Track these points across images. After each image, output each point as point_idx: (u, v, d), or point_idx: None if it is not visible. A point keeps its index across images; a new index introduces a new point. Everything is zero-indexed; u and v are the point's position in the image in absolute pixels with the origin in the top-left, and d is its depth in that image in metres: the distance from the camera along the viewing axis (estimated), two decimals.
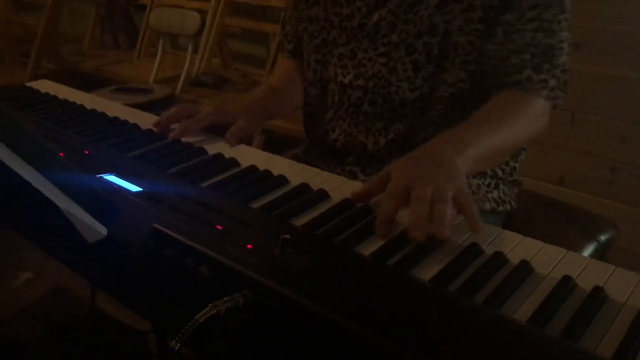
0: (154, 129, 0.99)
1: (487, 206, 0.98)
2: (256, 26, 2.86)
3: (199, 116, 0.98)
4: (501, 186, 1.04)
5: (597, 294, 0.57)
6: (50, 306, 1.45)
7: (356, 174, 1.03)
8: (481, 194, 0.98)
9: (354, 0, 0.97)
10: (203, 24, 2.48)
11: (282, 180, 0.81)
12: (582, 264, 0.63)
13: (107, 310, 1.41)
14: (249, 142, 1.01)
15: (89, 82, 2.74)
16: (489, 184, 1.01)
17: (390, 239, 0.67)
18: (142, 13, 3.12)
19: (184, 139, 0.95)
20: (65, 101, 1.15)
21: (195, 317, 0.48)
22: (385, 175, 0.73)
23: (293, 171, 0.84)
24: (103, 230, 0.52)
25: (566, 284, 0.59)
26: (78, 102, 1.13)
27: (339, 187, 0.80)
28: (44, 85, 1.26)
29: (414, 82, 0.95)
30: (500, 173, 1.03)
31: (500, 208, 1.01)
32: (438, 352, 0.48)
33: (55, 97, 1.17)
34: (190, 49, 2.54)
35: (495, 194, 1.01)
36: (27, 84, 1.28)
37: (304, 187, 0.79)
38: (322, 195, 0.77)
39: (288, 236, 0.56)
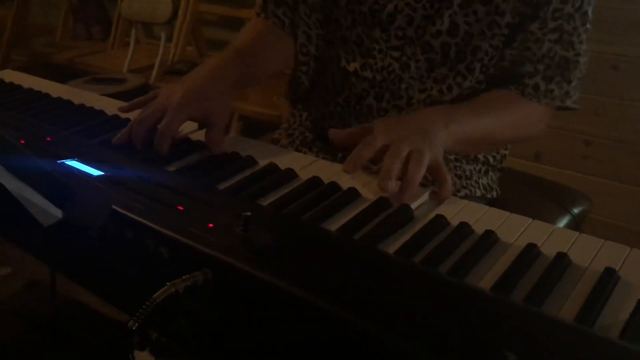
0: (120, 114, 0.94)
1: (478, 193, 0.97)
2: (232, 12, 2.83)
3: (164, 126, 0.81)
4: (490, 173, 1.03)
5: (561, 259, 0.58)
6: (25, 300, 1.43)
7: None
8: (474, 180, 0.98)
9: None
10: (176, 11, 2.44)
11: (250, 161, 0.80)
12: (548, 231, 0.63)
13: (87, 302, 1.40)
14: (226, 129, 0.90)
15: (62, 74, 2.70)
16: (480, 169, 1.01)
17: (357, 214, 0.66)
18: (115, 3, 3.07)
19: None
20: (30, 90, 1.12)
21: (153, 297, 0.47)
22: (369, 128, 0.74)
23: (262, 152, 0.83)
24: (58, 213, 0.51)
25: (530, 252, 0.59)
26: (43, 91, 1.11)
27: (308, 166, 0.79)
28: (8, 76, 1.23)
29: (425, 82, 0.92)
30: (491, 160, 1.02)
31: (489, 195, 1.01)
32: (402, 323, 0.47)
33: (19, 87, 1.15)
34: (163, 37, 2.51)
35: (484, 181, 1.01)
36: None
37: (272, 167, 0.78)
38: (290, 174, 0.76)
39: (250, 213, 0.55)
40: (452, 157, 0.97)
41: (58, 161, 0.72)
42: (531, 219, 0.65)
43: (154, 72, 2.52)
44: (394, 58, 0.92)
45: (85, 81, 2.29)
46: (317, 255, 0.56)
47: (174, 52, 2.76)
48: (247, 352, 0.53)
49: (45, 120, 0.94)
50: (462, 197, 0.89)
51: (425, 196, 0.71)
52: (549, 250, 0.60)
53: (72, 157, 0.74)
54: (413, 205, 0.68)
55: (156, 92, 0.90)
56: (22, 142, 0.80)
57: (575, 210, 1.17)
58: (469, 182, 0.96)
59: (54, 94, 1.09)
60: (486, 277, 0.56)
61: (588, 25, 0.86)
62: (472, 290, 0.53)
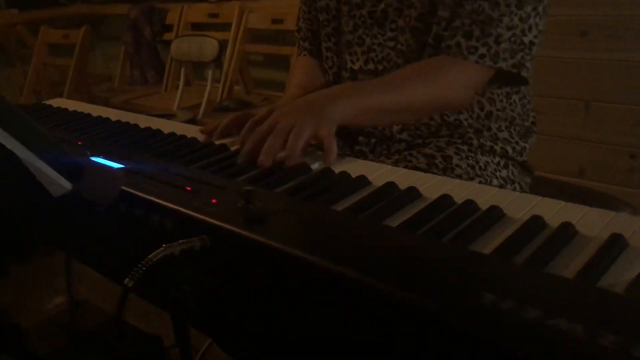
0: (203, 135, 0.97)
1: (495, 183, 0.98)
2: (275, 50, 2.93)
3: (297, 131, 0.85)
4: (510, 167, 1.04)
5: (566, 228, 0.56)
6: (70, 316, 1.48)
7: (365, 153, 1.07)
8: (489, 171, 0.99)
9: None
10: (222, 49, 2.55)
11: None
12: (556, 207, 0.62)
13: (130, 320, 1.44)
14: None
15: None
16: (498, 162, 1.02)
17: (364, 197, 0.67)
18: (168, 48, 3.24)
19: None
20: (73, 111, 1.20)
21: (149, 256, 0.49)
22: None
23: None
24: (67, 185, 0.54)
25: (535, 223, 0.58)
26: (85, 112, 1.18)
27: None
28: (57, 102, 1.32)
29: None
30: (510, 151, 1.04)
31: (509, 187, 1.01)
32: (401, 280, 0.47)
33: (65, 109, 1.23)
34: (210, 75, 2.62)
35: (504, 173, 1.02)
36: (44, 102, 1.34)
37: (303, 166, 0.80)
38: (303, 168, 0.78)
39: (251, 188, 0.57)
40: (466, 147, 0.99)
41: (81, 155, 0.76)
42: (540, 197, 0.64)
43: (202, 109, 2.62)
44: (390, 48, 1.01)
45: None
46: (315, 224, 0.56)
47: (222, 91, 2.87)
48: (250, 320, 0.54)
49: (83, 134, 1.00)
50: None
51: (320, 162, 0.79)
52: (556, 222, 0.58)
53: (98, 156, 0.78)
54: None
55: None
56: None
57: None
58: (483, 172, 0.97)
59: (95, 114, 1.16)
60: (488, 247, 0.55)
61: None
62: (473, 254, 0.52)
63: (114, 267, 0.67)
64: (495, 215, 0.60)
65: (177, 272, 0.53)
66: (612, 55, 1.58)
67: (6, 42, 3.63)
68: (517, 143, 1.05)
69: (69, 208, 0.59)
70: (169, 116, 2.39)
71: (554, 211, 0.61)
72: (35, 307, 1.98)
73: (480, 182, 0.94)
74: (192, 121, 2.44)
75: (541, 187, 1.15)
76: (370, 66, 1.04)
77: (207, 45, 2.51)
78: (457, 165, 0.95)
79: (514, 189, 1.03)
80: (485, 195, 0.66)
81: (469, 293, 0.42)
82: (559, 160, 1.73)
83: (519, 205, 0.63)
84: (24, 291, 2.04)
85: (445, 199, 0.64)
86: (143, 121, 1.08)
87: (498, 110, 1.03)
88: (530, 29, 0.92)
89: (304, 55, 1.19)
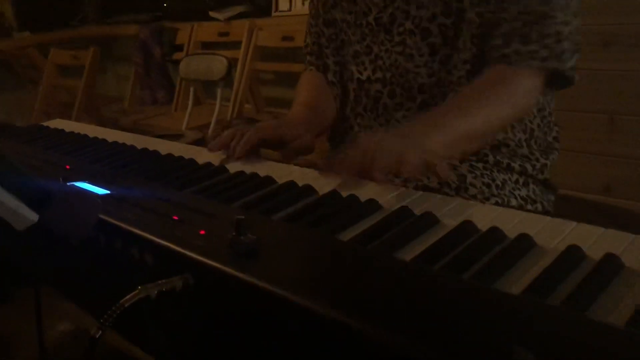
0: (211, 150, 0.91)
1: (514, 202, 0.91)
2: (285, 68, 2.88)
3: (260, 125, 0.90)
4: (531, 185, 0.96)
5: (610, 261, 0.48)
6: (70, 349, 1.41)
7: None
8: (507, 190, 0.91)
9: None
10: (230, 67, 2.50)
11: (269, 180, 0.75)
12: (594, 234, 0.54)
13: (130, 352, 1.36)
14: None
15: None
16: (517, 180, 0.94)
17: (374, 224, 0.59)
18: (178, 67, 3.20)
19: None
20: (70, 133, 1.14)
21: (121, 301, 0.42)
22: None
23: (281, 172, 0.78)
24: (33, 217, 0.48)
25: (572, 254, 0.50)
26: (82, 133, 1.13)
27: (331, 182, 0.73)
28: (56, 124, 1.27)
29: (431, 66, 0.92)
30: (530, 169, 0.96)
31: (529, 207, 0.94)
32: (414, 333, 0.39)
33: (62, 131, 1.18)
34: (219, 93, 2.57)
35: (524, 192, 0.94)
36: (41, 123, 1.29)
37: (291, 184, 0.73)
38: (309, 191, 0.71)
39: (242, 217, 0.50)
40: (480, 165, 0.92)
41: (68, 183, 0.70)
42: (576, 222, 0.56)
43: (211, 128, 2.57)
44: (398, 53, 0.95)
45: None
46: (316, 259, 0.49)
47: (232, 110, 2.82)
48: None
49: (76, 156, 0.94)
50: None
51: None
52: (596, 253, 0.50)
53: (83, 181, 0.72)
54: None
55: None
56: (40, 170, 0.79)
57: None
58: (500, 191, 0.89)
59: (91, 135, 1.10)
60: (519, 283, 0.47)
61: None
62: (494, 292, 0.44)
63: (97, 305, 0.60)
64: (524, 245, 0.52)
65: (156, 315, 0.46)
66: (636, 66, 1.50)
67: (17, 65, 3.62)
68: (537, 160, 0.97)
69: (44, 239, 0.52)
70: (177, 137, 2.34)
71: (593, 239, 0.53)
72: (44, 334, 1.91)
73: (496, 203, 0.87)
74: (201, 141, 2.39)
75: (565, 206, 1.07)
76: (379, 74, 0.98)
77: (216, 64, 2.46)
78: (471, 184, 0.87)
79: (535, 209, 0.95)
80: (512, 221, 0.58)
81: (499, 351, 0.34)
82: (583, 176, 1.64)
83: (552, 232, 0.55)
84: (26, 318, 1.97)
85: (467, 226, 0.57)
86: (142, 142, 1.02)
87: (526, 126, 0.95)
88: (580, 27, 0.85)
89: (310, 70, 1.13)
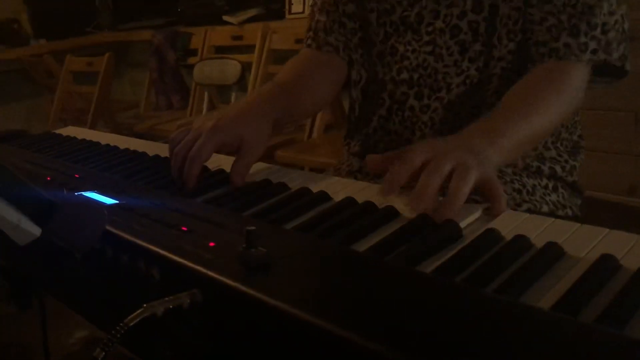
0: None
1: (545, 208, 0.87)
2: None
3: (194, 153, 0.75)
4: (560, 189, 0.93)
5: None
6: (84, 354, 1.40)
7: None
8: (538, 196, 0.88)
9: None
10: (244, 71, 2.49)
11: (282, 187, 0.73)
12: (630, 243, 0.50)
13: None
14: None
15: None
16: (546, 185, 0.91)
17: (392, 233, 0.56)
18: (192, 72, 3.20)
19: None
20: (83, 140, 1.13)
21: (126, 320, 0.40)
22: (407, 150, 0.65)
23: (297, 179, 0.75)
24: (35, 231, 0.46)
25: (605, 264, 0.46)
26: (94, 140, 1.11)
27: (343, 189, 0.71)
28: (68, 131, 1.26)
29: (460, 65, 0.89)
30: (559, 171, 0.92)
31: (560, 212, 0.90)
32: (429, 349, 0.37)
33: (74, 138, 1.16)
34: (233, 97, 2.56)
35: (554, 197, 0.91)
36: (53, 131, 1.28)
37: (304, 191, 0.70)
38: (324, 197, 0.68)
39: (253, 228, 0.47)
40: (510, 170, 0.88)
41: (75, 193, 0.68)
42: (607, 229, 0.53)
43: None
44: (427, 53, 0.90)
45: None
46: (331, 273, 0.46)
47: None
48: None
49: (87, 164, 0.92)
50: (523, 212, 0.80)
51: (477, 214, 0.60)
52: (632, 264, 0.47)
53: (92, 190, 0.70)
54: (462, 224, 0.57)
55: (187, 127, 0.85)
56: (48, 178, 0.78)
57: None
58: (532, 197, 0.86)
59: (104, 142, 1.08)
60: (547, 296, 0.44)
61: None
62: (523, 308, 0.41)
63: (105, 319, 0.58)
64: (553, 254, 0.49)
65: (162, 333, 0.43)
66: None
67: (34, 72, 3.65)
68: (566, 161, 0.94)
69: (47, 250, 0.50)
70: None
71: (628, 247, 0.49)
72: (57, 342, 1.91)
73: (528, 209, 0.83)
74: None
75: (592, 208, 1.04)
76: (404, 75, 0.93)
77: (229, 68, 2.45)
78: None
79: (566, 214, 0.91)
80: (538, 228, 0.55)
81: None
82: (608, 177, 1.60)
83: (582, 240, 0.51)
84: (48, 326, 1.97)
85: (490, 234, 0.54)
86: (155, 149, 1.00)
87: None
88: (626, 15, 0.83)
89: (317, 49, 1.00)
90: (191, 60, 3.24)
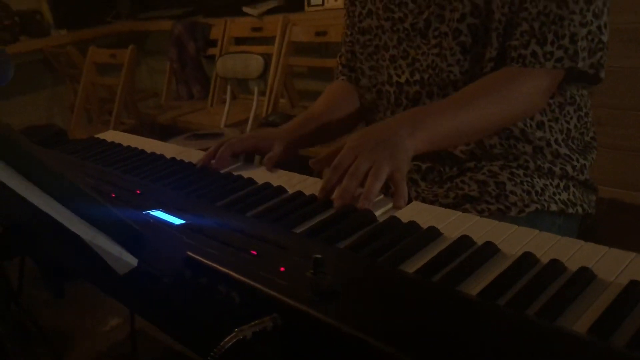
0: (198, 167, 1.00)
1: (554, 207, 0.94)
2: (319, 63, 2.91)
3: (232, 141, 1.00)
4: (572, 188, 0.99)
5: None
6: (126, 349, 1.49)
7: (417, 181, 1.03)
8: (547, 196, 0.94)
9: (405, 3, 1.01)
10: (267, 66, 2.54)
11: (327, 203, 0.79)
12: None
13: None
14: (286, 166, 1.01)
15: (166, 133, 2.87)
16: (558, 184, 0.97)
17: (436, 255, 0.63)
18: (212, 63, 3.26)
19: (230, 172, 0.96)
20: (128, 147, 1.20)
21: (221, 344, 0.47)
22: (338, 148, 0.82)
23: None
24: (133, 261, 0.53)
25: (634, 289, 0.52)
26: (140, 148, 1.18)
27: (388, 210, 0.77)
28: (110, 136, 1.32)
29: (463, 64, 0.97)
30: (570, 171, 0.98)
31: (570, 210, 0.97)
32: None
33: (119, 145, 1.23)
34: (256, 91, 2.61)
35: (564, 196, 0.97)
36: (95, 136, 1.35)
37: (349, 209, 0.77)
38: (368, 215, 0.74)
39: (320, 256, 0.54)
40: (521, 172, 0.95)
41: (143, 212, 0.75)
42: (635, 253, 0.59)
43: (249, 125, 2.62)
44: (434, 54, 0.99)
45: (185, 138, 2.41)
46: (390, 298, 0.53)
47: (267, 105, 2.86)
48: None
49: (138, 175, 0.99)
50: (531, 212, 0.90)
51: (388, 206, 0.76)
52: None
53: (157, 208, 0.77)
54: (376, 213, 0.73)
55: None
56: (113, 195, 0.84)
57: None
58: (540, 197, 0.93)
59: (149, 150, 1.15)
60: (582, 319, 0.50)
61: None
62: (567, 334, 0.47)
63: (181, 332, 0.65)
64: (585, 278, 0.55)
65: (246, 352, 0.50)
66: None
67: (56, 62, 3.72)
68: (577, 160, 0.99)
69: (133, 276, 0.57)
70: (218, 135, 2.40)
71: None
72: (91, 329, 2.01)
73: (536, 209, 0.90)
74: None
75: (606, 208, 1.09)
76: (417, 77, 1.02)
77: (253, 63, 2.50)
78: (511, 192, 0.91)
79: (576, 212, 0.97)
80: (569, 252, 0.61)
81: None
82: (624, 175, 1.64)
83: (611, 264, 0.57)
84: (79, 313, 2.08)
85: (528, 258, 0.60)
86: (197, 157, 1.06)
87: (550, 120, 0.98)
88: (605, 26, 0.89)
89: (342, 80, 1.17)
90: (211, 51, 3.29)
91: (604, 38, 0.89)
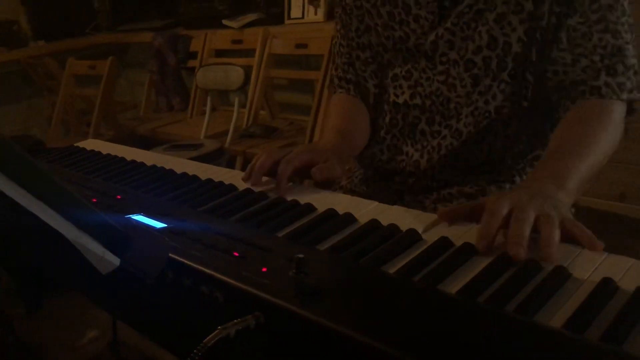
0: (246, 182, 0.91)
1: None
2: (299, 75, 2.93)
3: (290, 157, 0.89)
4: None
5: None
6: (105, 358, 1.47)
7: (402, 193, 1.02)
8: None
9: (407, 22, 0.98)
10: (247, 77, 2.55)
11: (309, 208, 0.80)
12: (626, 265, 0.58)
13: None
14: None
15: (145, 144, 2.86)
16: None
17: (416, 255, 0.64)
18: (192, 75, 3.26)
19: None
20: (108, 155, 1.19)
21: (204, 341, 0.47)
22: (481, 203, 0.69)
23: (320, 199, 0.83)
24: (116, 261, 0.53)
25: (606, 287, 0.54)
26: (119, 156, 1.17)
27: (368, 211, 0.78)
28: (90, 144, 1.32)
29: (471, 97, 0.96)
30: None
31: None
32: None
33: (99, 153, 1.22)
34: (236, 102, 2.62)
35: None
36: (75, 144, 1.34)
37: (331, 212, 0.78)
38: (349, 219, 0.75)
39: (302, 256, 0.55)
40: (507, 186, 0.97)
41: (125, 215, 0.75)
42: (606, 253, 0.60)
43: (229, 136, 2.62)
44: (440, 82, 0.97)
45: (164, 149, 2.40)
46: (371, 296, 0.54)
47: (247, 117, 2.87)
48: None
49: (119, 182, 0.99)
50: None
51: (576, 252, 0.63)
52: (629, 285, 0.54)
53: (138, 212, 0.77)
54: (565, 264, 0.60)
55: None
56: (95, 200, 0.84)
57: None
58: None
59: (130, 158, 1.15)
60: (558, 315, 0.52)
61: (628, 17, 0.87)
62: (543, 329, 0.49)
63: (164, 335, 0.65)
64: (560, 277, 0.57)
65: (229, 350, 0.51)
66: None
67: (34, 73, 3.68)
68: None
69: (115, 279, 0.57)
70: (198, 146, 2.40)
71: (624, 270, 0.57)
72: (69, 342, 1.98)
73: None
74: (221, 150, 2.44)
75: (583, 217, 1.11)
76: (417, 101, 1.00)
77: (233, 74, 2.52)
78: None
79: None
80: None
81: None
82: (599, 184, 1.68)
83: (585, 263, 0.59)
84: (57, 325, 2.04)
85: (505, 258, 0.61)
86: (180, 165, 1.06)
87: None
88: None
89: (340, 93, 1.14)
90: (191, 63, 3.30)
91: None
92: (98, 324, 2.08)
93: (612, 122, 0.86)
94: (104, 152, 1.23)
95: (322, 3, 2.76)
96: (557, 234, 0.62)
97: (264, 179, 0.91)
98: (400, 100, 1.03)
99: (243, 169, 0.99)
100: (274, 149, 0.93)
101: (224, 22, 3.10)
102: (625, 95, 0.86)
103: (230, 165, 2.49)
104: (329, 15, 2.76)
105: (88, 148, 1.28)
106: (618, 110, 0.87)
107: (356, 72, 1.11)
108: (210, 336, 0.47)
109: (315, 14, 2.79)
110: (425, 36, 0.97)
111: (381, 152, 1.08)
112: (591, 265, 0.59)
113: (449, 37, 0.95)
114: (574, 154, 0.81)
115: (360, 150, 1.09)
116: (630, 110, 0.91)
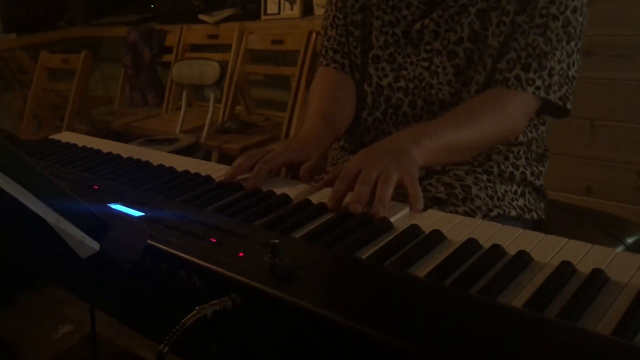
0: (224, 182, 0.89)
1: (513, 213, 0.99)
2: (275, 71, 2.94)
3: (268, 157, 0.90)
4: (527, 195, 1.05)
5: (597, 275, 0.56)
6: (81, 351, 1.47)
7: None
8: (507, 201, 0.99)
9: (399, 8, 1.03)
10: (223, 72, 2.55)
11: (285, 198, 0.82)
12: (584, 250, 0.61)
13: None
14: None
15: (120, 139, 2.83)
16: (516, 190, 1.03)
17: (388, 241, 0.66)
18: (167, 70, 3.24)
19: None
20: (84, 147, 1.20)
21: (183, 320, 0.49)
22: (342, 167, 0.82)
23: (296, 190, 0.85)
24: (95, 246, 0.54)
25: (565, 269, 0.57)
26: (95, 148, 1.18)
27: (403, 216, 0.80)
28: (65, 137, 1.32)
29: (454, 85, 1.00)
30: (529, 175, 1.05)
31: (527, 216, 1.02)
32: (434, 342, 0.47)
33: (75, 145, 1.22)
34: (212, 98, 2.62)
35: (521, 202, 1.03)
36: (50, 137, 1.34)
37: (306, 203, 0.80)
38: (324, 209, 0.78)
39: (277, 241, 0.57)
40: (485, 177, 1.00)
41: (103, 204, 0.76)
42: (566, 239, 0.64)
43: (205, 131, 2.62)
44: (424, 67, 1.02)
45: (139, 143, 2.39)
46: (343, 279, 0.56)
47: (223, 112, 2.87)
48: None
49: (95, 173, 0.99)
50: (494, 217, 0.93)
51: (404, 211, 0.75)
52: (586, 267, 0.58)
53: (116, 202, 0.78)
54: (392, 219, 0.72)
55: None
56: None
57: (630, 240, 1.13)
58: (501, 202, 0.97)
59: (106, 150, 1.15)
60: (519, 296, 0.55)
61: (572, 34, 0.94)
62: (506, 308, 0.52)
63: (143, 321, 0.67)
64: (523, 261, 0.60)
65: (207, 331, 0.52)
66: (616, 75, 1.59)
67: (4, 67, 3.62)
68: (536, 166, 1.06)
69: (89, 261, 0.58)
70: (173, 140, 2.39)
71: (582, 255, 0.61)
72: (43, 338, 1.97)
73: (498, 214, 0.95)
74: (196, 144, 2.44)
75: (551, 209, 1.15)
76: (401, 84, 1.04)
77: (209, 69, 2.52)
78: (476, 195, 0.95)
79: (531, 217, 1.03)
80: (509, 237, 0.65)
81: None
82: (567, 179, 1.74)
83: (546, 248, 0.62)
84: (30, 321, 2.03)
85: (471, 244, 0.64)
86: (155, 157, 1.07)
87: (529, 140, 1.05)
88: (573, 64, 0.96)
89: (334, 68, 1.11)
90: (166, 57, 3.28)
91: (570, 73, 0.96)
92: (72, 319, 2.08)
93: (503, 109, 0.94)
94: (80, 144, 1.23)
95: None
96: (388, 193, 0.74)
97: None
98: (384, 82, 1.06)
99: (287, 171, 1.01)
100: (253, 151, 0.93)
101: (200, 16, 3.09)
102: (530, 90, 0.93)
103: (206, 160, 2.49)
104: (306, 12, 2.77)
105: (63, 140, 1.28)
106: (516, 102, 0.94)
107: (350, 47, 1.11)
108: (188, 316, 0.49)
109: (292, 9, 2.81)
110: (414, 24, 1.01)
111: (367, 131, 1.09)
112: (552, 250, 0.62)
113: (434, 27, 1.00)
114: (447, 122, 0.91)
115: (344, 130, 1.08)
116: (565, 111, 0.98)
